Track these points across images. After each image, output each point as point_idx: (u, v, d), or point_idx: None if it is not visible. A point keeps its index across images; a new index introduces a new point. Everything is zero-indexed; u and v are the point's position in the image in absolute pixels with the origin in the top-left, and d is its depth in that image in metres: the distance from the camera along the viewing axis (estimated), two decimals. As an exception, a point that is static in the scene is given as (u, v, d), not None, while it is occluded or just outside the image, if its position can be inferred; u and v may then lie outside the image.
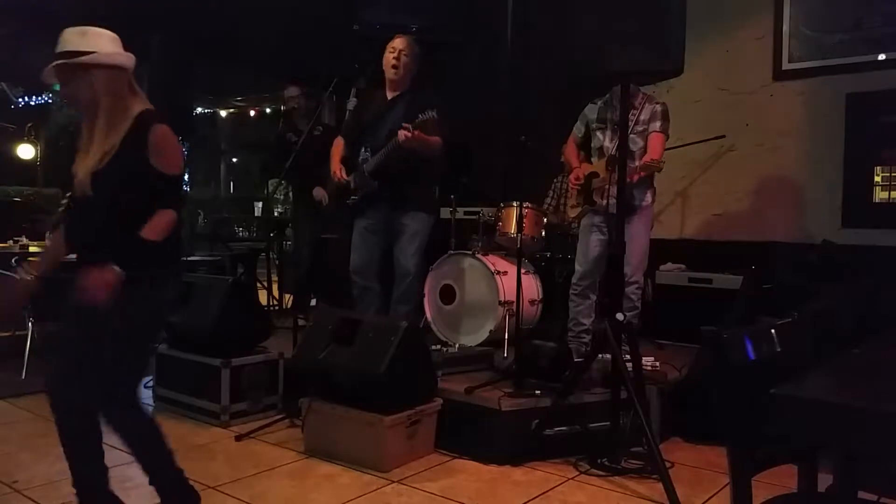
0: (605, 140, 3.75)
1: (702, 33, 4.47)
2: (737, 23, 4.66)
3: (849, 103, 4.26)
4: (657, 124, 3.59)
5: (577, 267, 3.86)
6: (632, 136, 3.61)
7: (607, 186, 3.65)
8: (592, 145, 3.84)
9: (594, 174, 3.77)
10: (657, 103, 3.66)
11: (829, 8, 4.35)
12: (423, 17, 5.72)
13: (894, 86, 4.08)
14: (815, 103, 4.39)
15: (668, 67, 2.86)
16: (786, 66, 4.49)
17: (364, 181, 3.88)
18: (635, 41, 2.78)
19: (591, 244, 3.79)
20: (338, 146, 4.01)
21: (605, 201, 3.68)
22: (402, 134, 3.57)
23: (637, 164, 3.54)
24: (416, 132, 3.54)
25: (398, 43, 3.87)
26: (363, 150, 3.91)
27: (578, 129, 3.90)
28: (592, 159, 3.86)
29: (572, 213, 3.97)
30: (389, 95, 3.92)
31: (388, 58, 3.86)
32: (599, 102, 3.81)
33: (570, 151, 3.93)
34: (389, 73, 3.87)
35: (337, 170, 3.91)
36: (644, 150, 3.61)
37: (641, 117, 3.64)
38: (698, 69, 4.41)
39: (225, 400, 3.55)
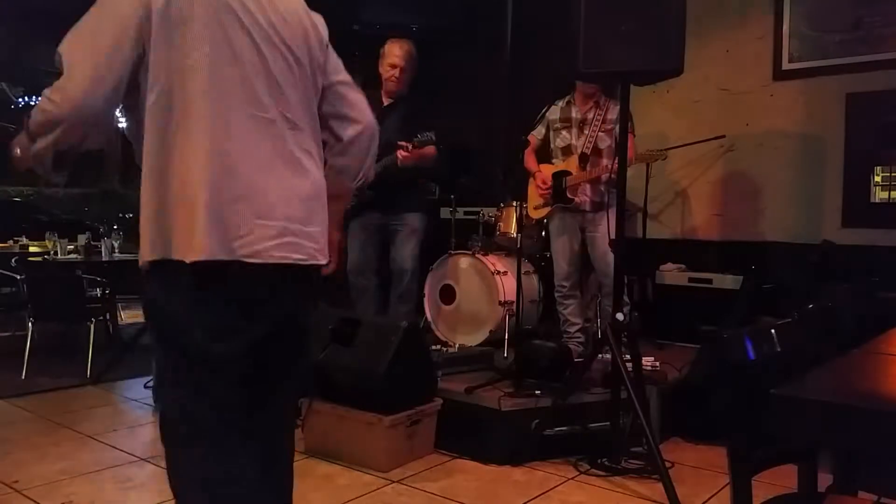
0: (573, 138, 3.82)
1: (702, 33, 4.47)
2: (737, 23, 4.65)
3: (849, 103, 4.25)
4: (629, 124, 3.58)
5: (559, 269, 3.89)
6: (600, 133, 3.75)
7: (583, 184, 3.74)
8: (556, 145, 3.90)
9: (564, 173, 3.80)
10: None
11: (829, 8, 4.34)
12: (423, 17, 5.72)
13: (894, 86, 4.08)
14: (815, 103, 4.38)
15: (668, 67, 2.85)
16: (786, 66, 4.48)
17: (360, 191, 3.91)
18: (635, 41, 2.78)
19: (569, 245, 3.85)
20: None
21: (580, 199, 3.75)
22: (400, 154, 3.66)
23: (606, 161, 3.65)
24: (413, 152, 3.64)
25: (397, 57, 3.86)
26: None
27: (539, 133, 3.96)
28: (554, 160, 3.91)
29: (538, 214, 4.00)
30: (385, 101, 3.94)
31: (388, 72, 3.88)
32: (561, 103, 3.88)
33: (529, 155, 3.98)
34: (388, 85, 3.91)
35: None
36: (612, 147, 3.67)
37: (609, 116, 3.74)
38: (698, 69, 4.41)
39: (225, 400, 3.54)
